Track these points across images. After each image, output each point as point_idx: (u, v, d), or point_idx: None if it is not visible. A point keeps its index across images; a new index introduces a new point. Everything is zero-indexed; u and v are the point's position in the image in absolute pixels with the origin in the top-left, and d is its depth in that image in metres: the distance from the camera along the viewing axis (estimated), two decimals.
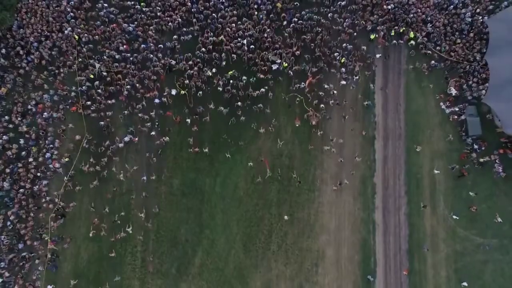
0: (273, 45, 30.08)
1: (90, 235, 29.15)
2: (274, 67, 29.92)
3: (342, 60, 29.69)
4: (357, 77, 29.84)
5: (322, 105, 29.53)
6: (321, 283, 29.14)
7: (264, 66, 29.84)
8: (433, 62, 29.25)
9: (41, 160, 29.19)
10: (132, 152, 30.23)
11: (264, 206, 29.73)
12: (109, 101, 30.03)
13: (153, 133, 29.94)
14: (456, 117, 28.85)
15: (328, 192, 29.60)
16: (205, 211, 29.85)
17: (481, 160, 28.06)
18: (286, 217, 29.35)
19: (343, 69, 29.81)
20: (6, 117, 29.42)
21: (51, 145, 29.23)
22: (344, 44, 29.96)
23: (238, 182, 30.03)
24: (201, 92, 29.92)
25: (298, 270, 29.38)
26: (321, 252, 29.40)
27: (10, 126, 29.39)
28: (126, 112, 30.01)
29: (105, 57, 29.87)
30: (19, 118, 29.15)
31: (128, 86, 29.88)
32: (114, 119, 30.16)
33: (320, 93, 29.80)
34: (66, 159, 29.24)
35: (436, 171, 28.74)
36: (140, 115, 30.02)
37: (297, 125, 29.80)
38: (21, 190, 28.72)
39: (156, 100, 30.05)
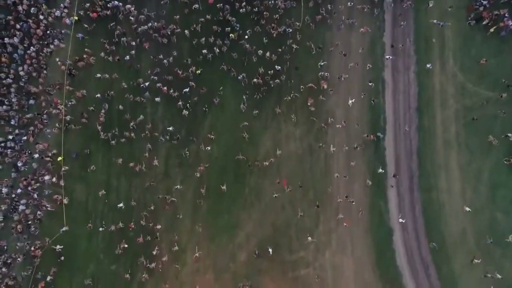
0: None
1: None
2: None
3: None
4: None
5: None
6: (330, 142, 29.27)
7: None
8: None
9: (51, 19, 29.23)
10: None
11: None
12: None
13: None
14: None
15: (336, 55, 29.66)
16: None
17: (495, 12, 27.74)
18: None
19: None
20: None
21: (61, 4, 29.23)
22: None
23: None
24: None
25: (307, 131, 29.54)
26: (331, 112, 29.48)
27: None
28: None
29: None
30: None
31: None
32: None
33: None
34: (76, 18, 29.29)
35: (440, 23, 28.60)
36: None
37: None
38: (32, 47, 28.83)
39: None
